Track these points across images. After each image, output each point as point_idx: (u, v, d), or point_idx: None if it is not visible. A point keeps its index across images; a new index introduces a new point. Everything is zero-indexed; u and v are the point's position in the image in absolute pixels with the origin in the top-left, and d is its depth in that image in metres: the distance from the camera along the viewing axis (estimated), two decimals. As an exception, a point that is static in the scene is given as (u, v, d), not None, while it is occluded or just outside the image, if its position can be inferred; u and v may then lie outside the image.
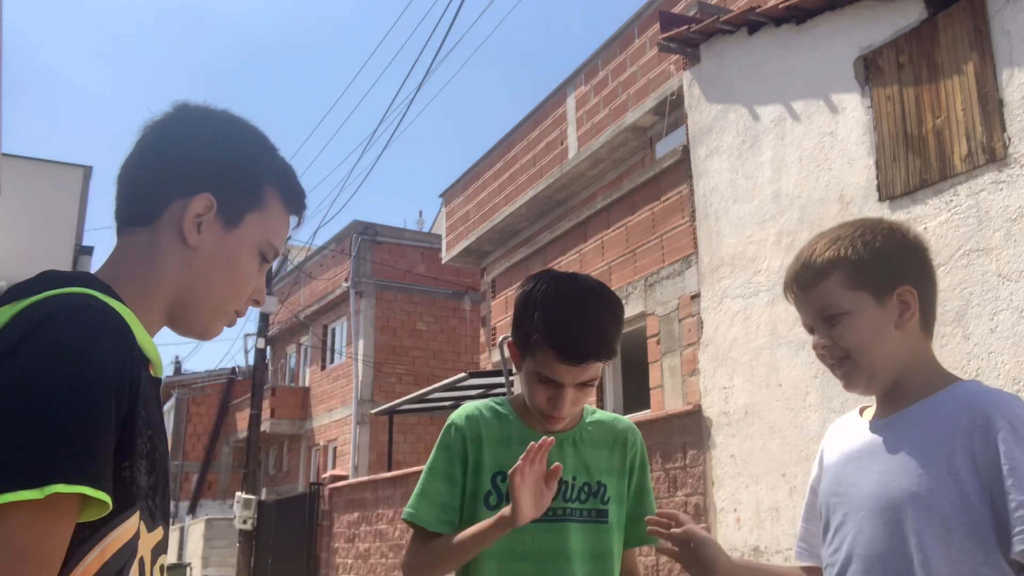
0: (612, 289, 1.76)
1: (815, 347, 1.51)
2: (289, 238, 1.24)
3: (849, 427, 1.56)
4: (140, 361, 0.96)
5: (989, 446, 1.31)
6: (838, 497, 1.48)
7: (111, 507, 0.86)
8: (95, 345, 0.89)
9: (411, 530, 1.77)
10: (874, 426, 1.49)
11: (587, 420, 1.83)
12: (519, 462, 1.54)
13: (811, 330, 1.52)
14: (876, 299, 1.45)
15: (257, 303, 1.19)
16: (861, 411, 1.57)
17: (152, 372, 1.04)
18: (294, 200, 1.19)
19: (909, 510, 1.35)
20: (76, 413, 0.84)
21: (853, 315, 1.45)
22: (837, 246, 1.48)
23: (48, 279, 0.99)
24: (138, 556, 0.96)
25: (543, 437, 1.57)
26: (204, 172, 1.10)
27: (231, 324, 1.17)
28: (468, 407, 1.82)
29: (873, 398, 1.54)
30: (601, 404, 8.19)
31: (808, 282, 1.49)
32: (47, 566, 0.82)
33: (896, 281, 1.45)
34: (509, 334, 1.78)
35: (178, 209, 1.09)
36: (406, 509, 1.75)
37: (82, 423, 0.85)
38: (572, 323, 1.63)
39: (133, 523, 0.93)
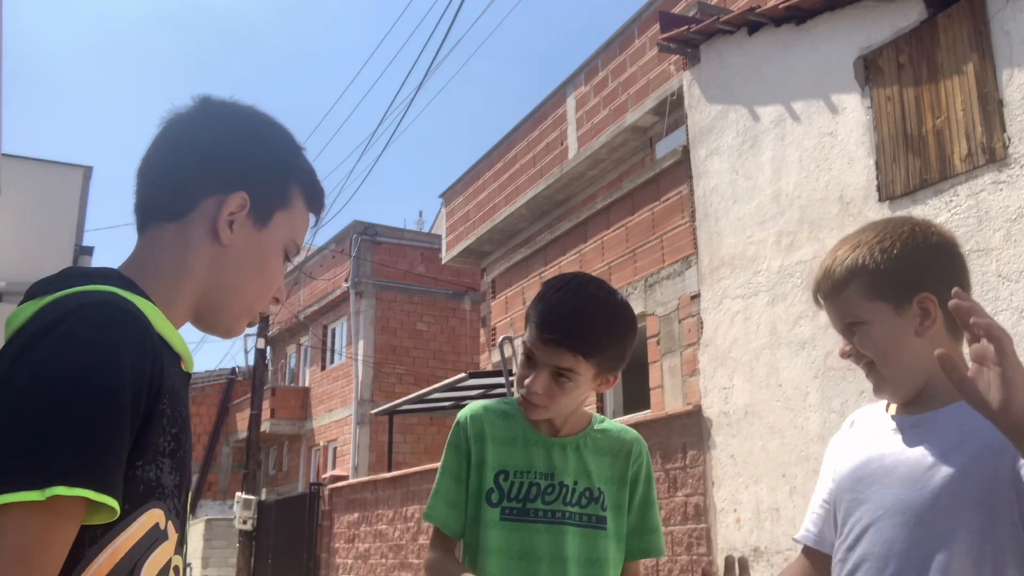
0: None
1: (841, 353, 1.52)
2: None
3: (874, 421, 1.54)
4: (165, 358, 0.94)
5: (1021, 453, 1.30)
6: (857, 494, 1.46)
7: (118, 512, 0.84)
8: (113, 343, 0.87)
9: (431, 528, 1.81)
10: (899, 424, 1.47)
11: (594, 427, 1.84)
12: None
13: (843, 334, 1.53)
14: (895, 308, 1.43)
15: (277, 301, 1.19)
16: (888, 405, 1.55)
17: (183, 367, 1.03)
18: (315, 199, 1.20)
19: (934, 514, 1.34)
20: (86, 414, 0.83)
21: (870, 325, 1.44)
22: (856, 254, 1.47)
23: (71, 275, 0.98)
24: (168, 559, 0.95)
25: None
26: (239, 170, 1.10)
27: (254, 323, 1.17)
28: (475, 405, 1.85)
29: None
30: (601, 404, 8.19)
31: (829, 292, 1.50)
32: (42, 568, 0.80)
33: (915, 289, 1.42)
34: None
35: (211, 206, 1.08)
36: (425, 510, 1.79)
37: (92, 424, 0.83)
38: (560, 301, 1.67)
39: (146, 522, 0.91)
